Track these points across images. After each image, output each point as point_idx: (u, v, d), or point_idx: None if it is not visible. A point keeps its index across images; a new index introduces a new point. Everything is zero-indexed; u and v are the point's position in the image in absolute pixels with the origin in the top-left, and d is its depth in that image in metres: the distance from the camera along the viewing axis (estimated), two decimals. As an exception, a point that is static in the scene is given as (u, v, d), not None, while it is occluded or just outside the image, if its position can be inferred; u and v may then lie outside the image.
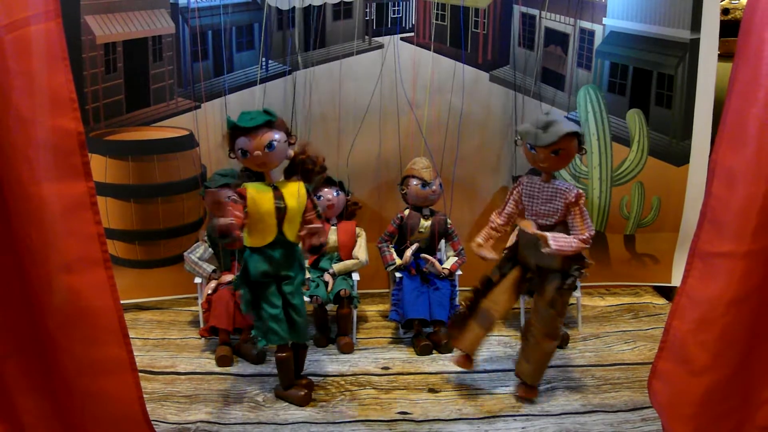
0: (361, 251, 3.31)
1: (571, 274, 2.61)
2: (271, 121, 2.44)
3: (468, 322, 2.74)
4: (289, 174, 2.58)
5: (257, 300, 2.59)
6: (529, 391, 2.77)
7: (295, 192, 2.53)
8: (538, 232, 2.53)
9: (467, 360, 2.75)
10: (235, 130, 2.44)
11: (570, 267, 2.61)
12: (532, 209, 2.65)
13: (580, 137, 2.55)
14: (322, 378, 2.92)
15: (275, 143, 2.44)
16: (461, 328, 2.75)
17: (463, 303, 2.81)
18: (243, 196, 2.45)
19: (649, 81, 3.54)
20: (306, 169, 2.56)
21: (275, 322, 2.58)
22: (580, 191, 2.55)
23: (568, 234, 2.55)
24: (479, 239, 2.76)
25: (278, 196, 2.50)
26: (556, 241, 2.48)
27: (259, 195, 2.48)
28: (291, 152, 2.52)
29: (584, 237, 2.54)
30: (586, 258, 2.64)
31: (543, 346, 2.70)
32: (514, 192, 2.74)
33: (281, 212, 2.51)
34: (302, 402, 2.71)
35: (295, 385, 2.75)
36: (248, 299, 2.59)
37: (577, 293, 3.37)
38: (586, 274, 2.66)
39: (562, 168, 2.62)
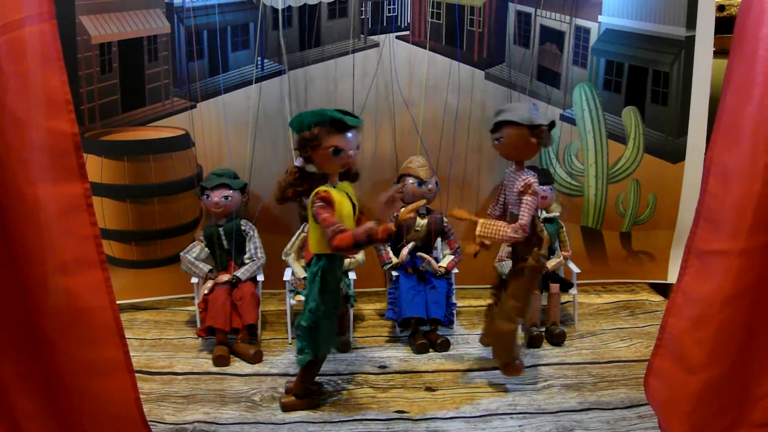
0: (357, 250, 3.32)
1: (524, 259, 2.66)
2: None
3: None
4: (343, 177, 2.54)
5: (326, 312, 2.54)
6: (511, 369, 2.81)
7: (353, 193, 2.52)
8: (472, 217, 2.63)
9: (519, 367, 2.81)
10: (337, 127, 2.37)
11: (524, 254, 2.66)
12: (507, 198, 2.71)
13: (534, 128, 2.55)
14: (319, 377, 2.91)
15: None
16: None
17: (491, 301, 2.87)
18: (330, 201, 2.39)
19: (645, 78, 3.54)
20: (352, 172, 2.56)
21: (332, 330, 2.61)
22: (530, 181, 2.59)
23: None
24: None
25: (350, 198, 2.48)
26: (483, 227, 2.57)
27: (340, 197, 2.43)
28: None
29: (515, 225, 2.57)
30: (539, 248, 2.67)
31: (498, 326, 2.75)
32: (503, 182, 2.78)
33: (354, 212, 2.50)
34: (317, 404, 2.73)
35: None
36: (322, 313, 2.53)
37: (573, 290, 3.37)
38: (542, 261, 2.68)
39: (518, 157, 2.63)
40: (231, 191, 3.18)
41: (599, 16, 3.47)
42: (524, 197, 2.59)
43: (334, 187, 2.46)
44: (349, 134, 2.39)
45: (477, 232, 2.62)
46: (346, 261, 3.27)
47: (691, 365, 2.11)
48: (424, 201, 2.84)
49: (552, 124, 2.62)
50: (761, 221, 1.95)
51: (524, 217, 2.58)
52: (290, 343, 3.23)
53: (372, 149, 3.49)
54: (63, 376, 2.02)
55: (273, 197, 2.54)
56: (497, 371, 2.94)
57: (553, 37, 3.51)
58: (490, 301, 2.87)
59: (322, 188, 2.41)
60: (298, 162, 2.50)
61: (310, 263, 3.22)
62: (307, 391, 2.71)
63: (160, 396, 2.77)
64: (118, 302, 2.03)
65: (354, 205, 2.50)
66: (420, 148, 3.44)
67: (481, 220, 2.62)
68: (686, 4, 3.39)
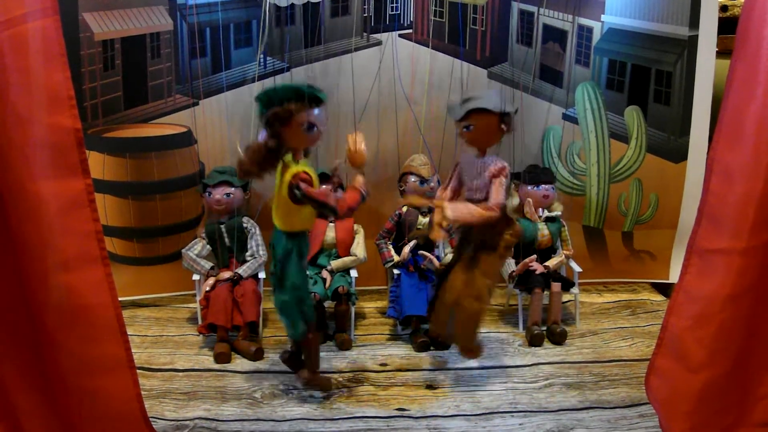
0: (359, 248, 3.32)
1: (482, 242, 2.64)
2: None
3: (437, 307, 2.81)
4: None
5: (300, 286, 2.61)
6: (469, 351, 2.83)
7: (310, 169, 2.53)
8: (434, 201, 2.63)
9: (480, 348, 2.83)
10: (314, 102, 2.38)
11: (492, 236, 2.64)
12: (467, 184, 2.69)
13: (503, 116, 2.55)
14: (320, 374, 2.92)
15: None
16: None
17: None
18: (311, 182, 2.41)
19: (648, 78, 3.54)
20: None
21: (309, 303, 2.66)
22: (504, 165, 2.58)
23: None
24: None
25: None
26: (455, 210, 2.53)
27: (314, 176, 2.47)
28: None
29: (488, 205, 2.55)
30: (511, 229, 2.66)
31: (468, 306, 2.68)
32: (456, 168, 2.76)
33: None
34: (329, 387, 2.77)
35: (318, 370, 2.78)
36: (302, 286, 2.61)
37: (574, 290, 3.37)
38: (511, 240, 2.67)
39: (485, 145, 2.62)
40: (233, 188, 3.18)
41: (602, 16, 3.47)
42: (497, 179, 2.57)
43: (298, 162, 2.46)
44: (319, 110, 2.40)
45: (449, 215, 2.55)
46: (348, 259, 3.27)
47: (692, 364, 2.11)
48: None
49: (516, 111, 2.62)
50: (763, 220, 1.95)
51: (499, 197, 2.55)
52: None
53: (374, 147, 3.48)
54: (64, 373, 2.02)
55: (237, 173, 2.54)
56: (498, 369, 2.95)
57: (555, 36, 3.50)
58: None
59: (299, 169, 2.41)
60: (261, 137, 2.45)
61: (311, 261, 3.24)
62: (317, 366, 2.76)
63: (161, 393, 2.77)
64: (119, 299, 2.03)
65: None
66: (422, 146, 3.44)
67: (446, 204, 2.58)
68: (689, 4, 3.39)
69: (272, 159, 2.43)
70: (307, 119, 2.37)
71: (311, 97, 2.36)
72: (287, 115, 2.34)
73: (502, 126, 2.56)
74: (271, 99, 2.36)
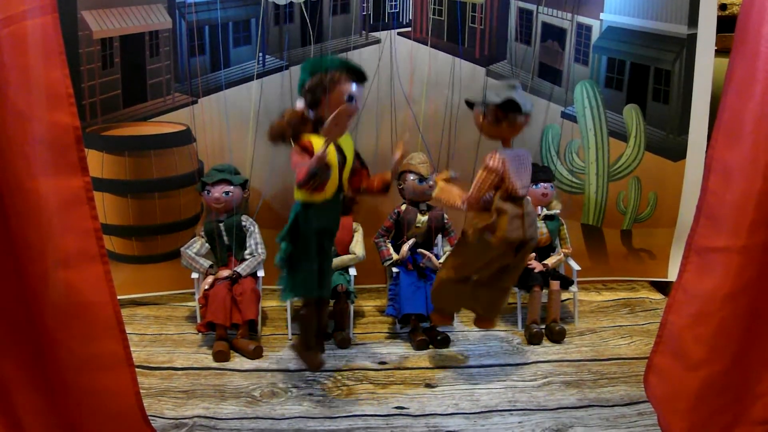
0: (357, 246, 3.32)
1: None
2: None
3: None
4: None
5: (299, 255, 2.57)
6: (485, 321, 2.86)
7: (350, 145, 2.53)
8: (440, 181, 2.67)
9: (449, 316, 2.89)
10: (353, 74, 2.42)
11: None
12: (517, 181, 2.64)
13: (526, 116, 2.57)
14: (319, 373, 2.92)
15: None
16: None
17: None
18: (309, 149, 2.40)
19: (647, 76, 3.54)
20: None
21: (311, 277, 2.59)
22: (485, 158, 2.56)
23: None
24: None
25: (338, 149, 2.48)
26: (442, 191, 2.60)
27: (330, 148, 2.43)
28: None
29: (463, 197, 2.57)
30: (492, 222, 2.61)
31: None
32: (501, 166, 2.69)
33: (343, 165, 2.50)
34: (316, 366, 2.76)
35: (313, 348, 2.76)
36: (288, 253, 2.56)
37: (573, 288, 3.37)
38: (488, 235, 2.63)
39: (499, 137, 2.64)
40: (232, 187, 3.18)
41: (601, 14, 3.47)
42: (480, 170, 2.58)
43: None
44: (359, 87, 2.44)
45: (434, 195, 2.63)
46: (347, 257, 3.27)
47: (691, 362, 2.11)
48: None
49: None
50: (762, 218, 1.95)
51: (470, 192, 2.56)
52: (290, 339, 3.23)
53: (373, 145, 3.48)
54: (63, 371, 2.02)
55: (267, 135, 2.50)
56: (497, 368, 2.95)
57: (554, 34, 3.50)
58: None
59: (308, 136, 2.42)
60: (299, 104, 2.48)
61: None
62: (309, 344, 2.74)
63: (160, 391, 2.77)
64: (118, 297, 2.03)
65: (344, 157, 2.51)
66: (421, 144, 3.44)
67: (440, 184, 2.63)
68: (688, 3, 3.39)
69: (305, 126, 2.45)
70: (348, 90, 2.41)
71: (356, 71, 2.40)
72: (333, 82, 2.38)
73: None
74: (319, 65, 2.40)
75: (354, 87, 2.45)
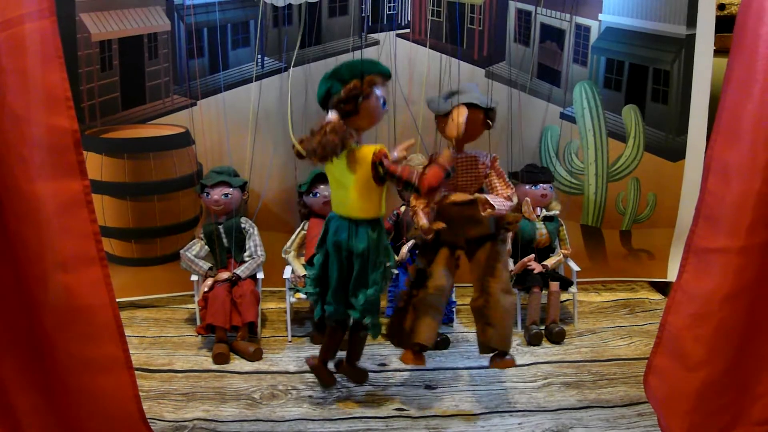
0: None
1: (503, 227, 2.62)
2: None
3: (413, 315, 2.62)
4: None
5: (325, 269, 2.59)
6: (506, 361, 2.62)
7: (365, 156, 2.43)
8: (479, 195, 2.54)
9: (419, 356, 2.61)
10: (384, 75, 2.39)
11: (497, 226, 2.62)
12: (453, 182, 2.62)
13: (488, 111, 2.58)
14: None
15: None
16: (406, 323, 2.64)
17: (401, 300, 2.69)
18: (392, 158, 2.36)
19: (645, 77, 3.54)
20: None
21: (336, 300, 2.59)
22: (494, 155, 2.61)
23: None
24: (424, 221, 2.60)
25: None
26: (495, 202, 2.49)
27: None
28: None
29: (508, 194, 2.56)
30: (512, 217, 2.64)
31: (503, 302, 2.59)
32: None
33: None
34: (330, 384, 2.75)
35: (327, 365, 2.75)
36: (320, 266, 2.58)
37: (573, 289, 3.37)
38: (517, 227, 2.69)
39: (469, 140, 2.61)
40: (231, 189, 3.18)
41: (600, 15, 3.47)
42: (493, 171, 2.62)
43: (359, 144, 2.41)
44: (383, 88, 2.38)
45: (497, 207, 2.51)
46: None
47: (690, 363, 2.11)
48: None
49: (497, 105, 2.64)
50: (761, 219, 1.95)
51: (511, 185, 2.63)
52: (290, 341, 3.23)
53: (372, 147, 3.49)
54: (62, 374, 2.02)
55: (314, 156, 2.34)
56: (497, 369, 2.94)
57: (553, 35, 3.51)
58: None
59: (376, 147, 2.35)
60: (332, 116, 2.36)
61: (309, 261, 3.25)
62: (324, 361, 2.73)
63: (159, 394, 2.77)
64: (117, 300, 2.02)
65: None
66: (420, 146, 3.44)
67: (489, 197, 2.55)
68: (687, 3, 3.39)
69: (351, 137, 2.38)
70: (383, 94, 2.36)
71: (384, 72, 2.36)
72: (372, 87, 2.33)
73: (487, 121, 2.57)
74: (355, 70, 2.33)
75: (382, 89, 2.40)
